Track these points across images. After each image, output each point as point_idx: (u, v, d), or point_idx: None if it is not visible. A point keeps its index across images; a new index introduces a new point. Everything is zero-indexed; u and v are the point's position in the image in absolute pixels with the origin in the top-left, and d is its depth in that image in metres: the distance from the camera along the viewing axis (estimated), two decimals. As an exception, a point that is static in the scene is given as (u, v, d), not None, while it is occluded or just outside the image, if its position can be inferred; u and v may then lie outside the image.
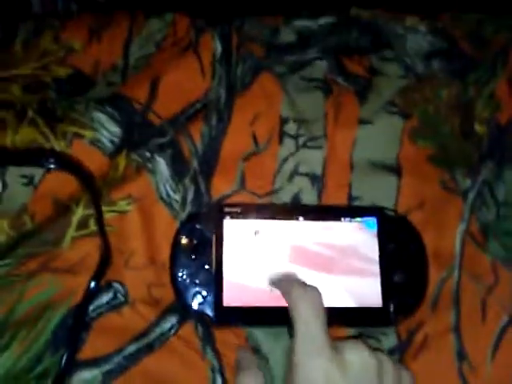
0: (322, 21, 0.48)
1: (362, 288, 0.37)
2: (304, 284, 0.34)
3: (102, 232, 0.38)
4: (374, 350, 0.31)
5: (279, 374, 0.36)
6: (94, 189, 0.39)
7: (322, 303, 0.32)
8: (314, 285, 0.34)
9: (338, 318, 0.37)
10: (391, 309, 0.37)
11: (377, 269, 0.38)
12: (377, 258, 0.38)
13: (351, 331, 0.38)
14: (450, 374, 0.37)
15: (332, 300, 0.37)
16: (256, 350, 0.37)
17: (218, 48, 0.46)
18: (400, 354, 0.37)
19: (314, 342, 0.30)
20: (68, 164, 0.39)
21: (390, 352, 0.37)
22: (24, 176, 0.40)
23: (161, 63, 0.45)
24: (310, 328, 0.31)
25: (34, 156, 0.39)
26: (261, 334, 0.38)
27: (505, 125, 0.44)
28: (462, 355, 0.37)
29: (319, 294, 0.32)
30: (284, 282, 0.35)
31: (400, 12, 0.49)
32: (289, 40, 0.47)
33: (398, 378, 0.30)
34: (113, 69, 0.46)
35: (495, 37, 0.47)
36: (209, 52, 0.46)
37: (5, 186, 0.40)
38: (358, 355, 0.30)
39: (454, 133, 0.44)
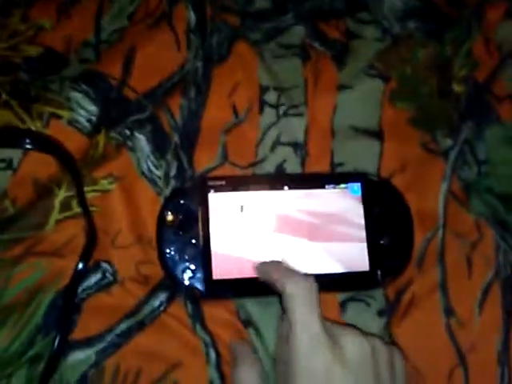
0: (296, -15, 0.47)
1: (350, 253, 0.37)
2: (297, 274, 0.33)
3: (85, 213, 0.38)
4: (367, 334, 0.31)
5: (272, 344, 0.37)
6: (75, 168, 0.38)
7: (317, 293, 0.32)
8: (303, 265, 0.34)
9: (326, 283, 0.37)
10: (378, 271, 0.37)
11: (363, 233, 0.38)
12: (362, 223, 0.38)
13: (341, 296, 0.38)
14: (439, 331, 0.38)
15: (320, 267, 0.37)
16: (247, 322, 0.37)
17: (192, 18, 0.45)
18: (389, 314, 0.38)
19: (312, 337, 0.30)
20: (46, 144, 0.38)
21: (379, 313, 0.38)
22: (2, 160, 0.40)
23: (134, 36, 0.44)
24: (307, 323, 0.31)
25: (10, 137, 0.38)
26: (251, 306, 0.38)
27: (483, 83, 0.44)
28: (449, 311, 0.38)
29: (313, 283, 0.32)
30: (275, 272, 0.34)
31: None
32: (263, 7, 0.46)
33: (390, 357, 0.31)
34: (85, 45, 0.45)
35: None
36: (183, 23, 0.45)
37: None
38: (354, 343, 0.30)
39: (432, 93, 0.44)
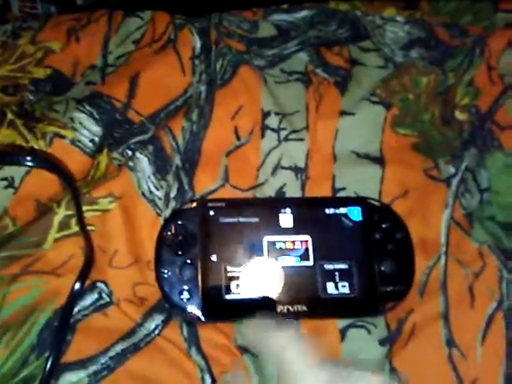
0: (301, 14, 0.48)
1: (349, 278, 0.37)
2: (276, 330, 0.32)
3: (83, 232, 0.38)
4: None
5: (268, 371, 0.36)
6: (74, 185, 0.38)
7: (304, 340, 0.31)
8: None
9: (326, 309, 0.37)
10: (379, 298, 0.37)
11: (363, 258, 0.37)
12: (363, 248, 0.38)
13: (341, 322, 0.38)
14: (440, 362, 0.37)
15: (320, 292, 0.36)
16: (244, 349, 0.37)
17: (197, 44, 0.46)
18: (390, 343, 0.37)
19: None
20: (46, 162, 0.38)
21: (381, 342, 0.37)
22: (4, 179, 0.40)
23: (140, 61, 0.45)
24: (307, 373, 0.29)
25: (12, 155, 0.38)
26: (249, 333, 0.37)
27: (485, 112, 0.44)
28: (451, 342, 0.37)
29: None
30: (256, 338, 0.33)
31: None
32: (268, 34, 0.47)
33: None
34: (92, 68, 0.46)
35: (472, 25, 0.47)
36: (188, 48, 0.46)
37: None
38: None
39: (434, 120, 0.44)
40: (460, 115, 0.44)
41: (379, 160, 0.42)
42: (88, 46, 0.46)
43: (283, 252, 0.37)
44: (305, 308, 0.36)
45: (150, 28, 0.47)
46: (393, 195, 0.41)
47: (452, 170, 0.42)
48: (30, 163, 0.36)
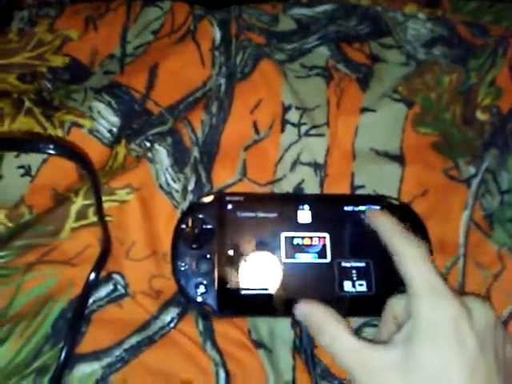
0: (322, 9, 0.48)
1: (367, 276, 0.37)
2: (410, 234, 0.32)
3: (101, 221, 0.37)
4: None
5: (283, 367, 0.36)
6: (95, 174, 0.38)
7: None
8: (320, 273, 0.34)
9: (342, 307, 0.36)
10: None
11: (381, 257, 0.37)
12: (381, 246, 0.37)
13: (356, 320, 0.37)
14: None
15: (337, 289, 0.36)
16: (259, 344, 0.36)
17: (217, 35, 0.45)
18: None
19: (436, 291, 0.29)
20: (68, 150, 0.38)
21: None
22: (21, 167, 0.40)
23: (159, 51, 0.45)
24: (428, 279, 0.30)
25: (33, 142, 0.38)
26: (263, 328, 0.37)
27: (507, 112, 0.43)
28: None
29: (424, 243, 0.32)
30: (387, 231, 0.34)
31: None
32: (288, 28, 0.47)
33: (504, 341, 0.30)
34: (110, 57, 0.45)
35: (494, 25, 0.47)
36: (208, 40, 0.45)
37: (1, 177, 0.39)
38: (480, 309, 0.29)
39: (455, 120, 0.43)
40: (481, 115, 0.43)
41: (399, 158, 0.42)
42: (106, 35, 0.46)
43: (300, 248, 0.37)
44: (321, 305, 0.36)
45: (169, 18, 0.46)
46: (412, 194, 0.41)
47: (472, 170, 0.41)
48: (51, 151, 0.36)
